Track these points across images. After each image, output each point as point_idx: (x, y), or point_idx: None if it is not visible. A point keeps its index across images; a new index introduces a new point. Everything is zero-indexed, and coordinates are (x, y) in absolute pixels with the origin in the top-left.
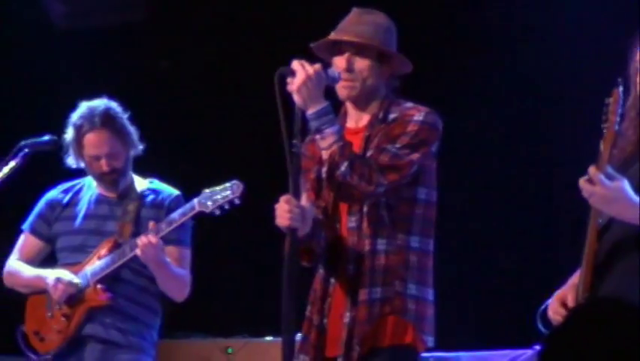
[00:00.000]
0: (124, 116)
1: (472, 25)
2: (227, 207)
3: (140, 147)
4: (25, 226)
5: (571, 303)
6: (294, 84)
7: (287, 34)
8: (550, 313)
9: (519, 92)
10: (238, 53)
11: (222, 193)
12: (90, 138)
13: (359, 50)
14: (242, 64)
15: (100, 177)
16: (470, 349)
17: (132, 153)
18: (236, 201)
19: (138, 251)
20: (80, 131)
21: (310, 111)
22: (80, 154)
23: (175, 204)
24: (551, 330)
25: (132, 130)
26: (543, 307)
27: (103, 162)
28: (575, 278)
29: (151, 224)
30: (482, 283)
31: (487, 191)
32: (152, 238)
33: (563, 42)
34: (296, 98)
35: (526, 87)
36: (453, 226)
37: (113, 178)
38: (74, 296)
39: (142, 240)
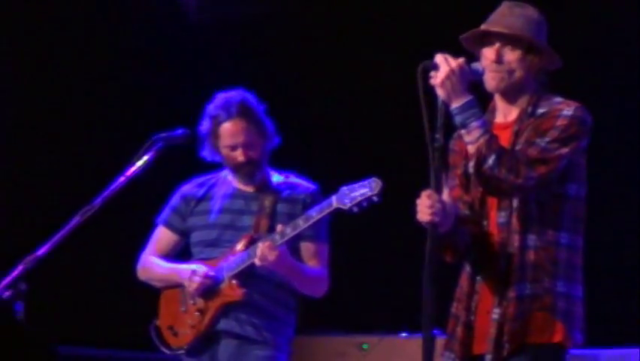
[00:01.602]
0: (260, 107)
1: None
2: (365, 204)
3: (276, 139)
4: (160, 219)
5: None
6: (437, 78)
7: (430, 27)
8: None
9: None
10: (379, 45)
11: (361, 190)
12: (227, 127)
13: (509, 41)
14: (382, 57)
15: (236, 169)
16: (608, 346)
17: (268, 145)
18: (375, 199)
19: (257, 261)
20: (216, 121)
21: (454, 105)
22: (215, 146)
23: (312, 199)
24: None
25: (269, 122)
26: None
27: (239, 151)
28: None
29: (279, 227)
30: (625, 280)
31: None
32: (267, 252)
33: None
34: (439, 91)
35: None
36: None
37: (249, 170)
38: (209, 291)
39: (260, 250)
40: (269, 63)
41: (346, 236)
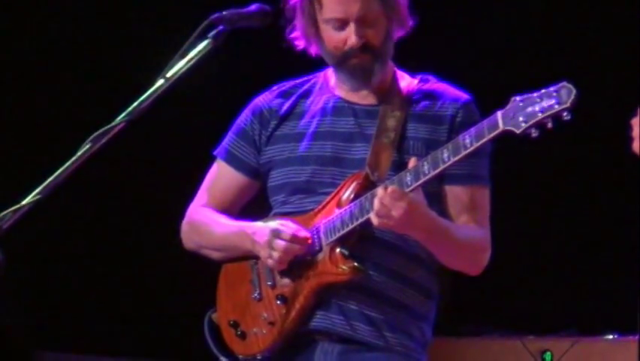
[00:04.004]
0: None
1: None
2: (550, 124)
3: (410, 23)
4: (219, 150)
5: None
6: None
7: None
8: None
9: None
10: None
11: (543, 103)
12: None
13: None
14: None
15: (343, 61)
16: None
17: (398, 29)
18: (565, 115)
19: (374, 218)
20: None
21: None
22: (312, 24)
23: (465, 117)
24: None
25: None
26: None
27: (351, 29)
28: None
29: (412, 161)
30: None
31: None
32: (390, 203)
33: None
34: None
35: None
36: None
37: (364, 62)
38: (299, 265)
39: (379, 200)
40: None
41: (513, 185)
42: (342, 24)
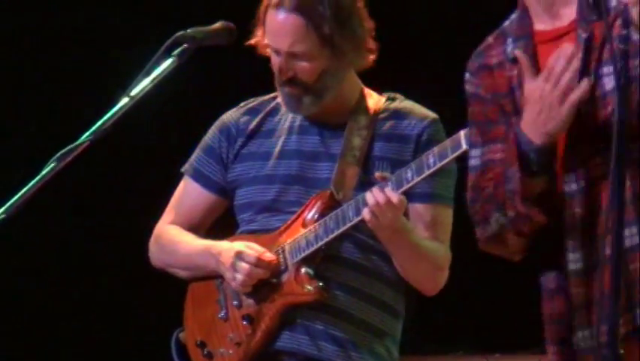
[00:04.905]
0: (347, 5)
1: None
2: None
3: (370, 56)
4: (187, 167)
5: None
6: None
7: None
8: None
9: None
10: None
11: None
12: (272, 18)
13: None
14: None
15: (279, 85)
16: None
17: (347, 64)
18: None
19: (366, 214)
20: (269, 1)
21: None
22: (263, 41)
23: (431, 135)
24: None
25: (355, 26)
26: None
27: (280, 60)
28: None
29: (377, 175)
30: None
31: None
32: (390, 194)
33: None
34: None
35: None
36: None
37: (293, 93)
38: (265, 286)
39: (374, 197)
40: None
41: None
42: (276, 52)
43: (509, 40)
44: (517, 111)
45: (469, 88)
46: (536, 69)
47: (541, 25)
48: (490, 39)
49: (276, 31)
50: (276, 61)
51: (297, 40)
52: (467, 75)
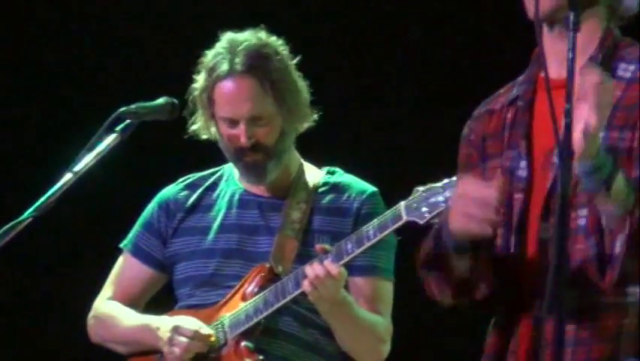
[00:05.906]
0: (289, 62)
1: None
2: None
3: (313, 116)
4: (126, 243)
5: None
6: None
7: None
8: None
9: None
10: None
11: (446, 193)
12: (224, 88)
13: None
14: None
15: (237, 157)
16: None
17: (296, 123)
18: None
19: (306, 286)
20: (211, 76)
21: None
22: (210, 118)
23: (370, 208)
24: None
25: (301, 86)
26: None
27: (241, 129)
28: None
29: (318, 247)
30: None
31: None
32: (330, 267)
33: None
34: None
35: None
36: None
37: (257, 161)
38: (205, 360)
39: (313, 269)
40: None
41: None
42: (233, 123)
43: (516, 86)
44: (502, 152)
45: (464, 131)
46: (530, 113)
47: (554, 74)
48: (502, 89)
49: (232, 99)
50: (231, 132)
51: (257, 102)
52: (469, 120)
